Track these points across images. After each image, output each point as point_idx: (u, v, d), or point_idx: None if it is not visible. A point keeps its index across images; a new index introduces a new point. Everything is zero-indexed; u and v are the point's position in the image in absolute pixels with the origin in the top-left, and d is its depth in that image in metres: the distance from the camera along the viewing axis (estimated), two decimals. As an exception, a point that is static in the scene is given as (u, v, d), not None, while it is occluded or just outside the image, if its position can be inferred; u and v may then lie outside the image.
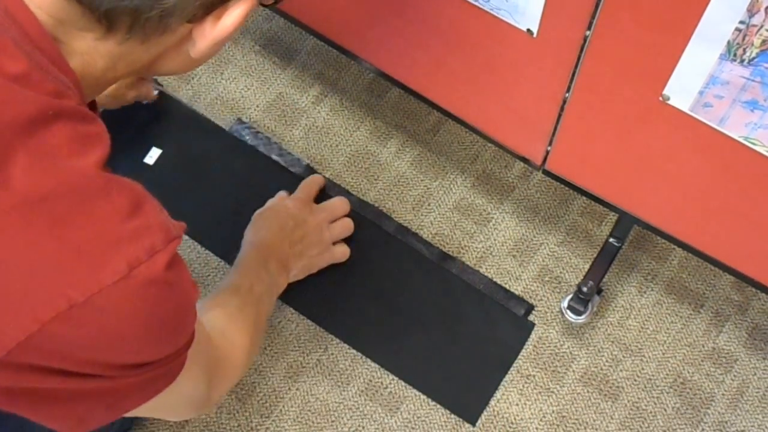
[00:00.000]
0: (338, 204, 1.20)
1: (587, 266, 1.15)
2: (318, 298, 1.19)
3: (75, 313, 0.53)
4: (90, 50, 0.60)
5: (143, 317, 0.57)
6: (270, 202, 1.19)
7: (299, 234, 1.14)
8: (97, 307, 0.54)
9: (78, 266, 0.53)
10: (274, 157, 1.29)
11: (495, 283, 1.20)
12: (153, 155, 1.27)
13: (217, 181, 1.27)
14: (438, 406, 1.13)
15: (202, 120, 1.31)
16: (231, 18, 0.61)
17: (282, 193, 1.21)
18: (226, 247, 1.21)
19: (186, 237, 1.22)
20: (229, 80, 1.35)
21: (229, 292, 1.01)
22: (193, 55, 0.64)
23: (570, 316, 1.15)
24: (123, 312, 0.55)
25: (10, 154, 0.53)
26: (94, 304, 0.53)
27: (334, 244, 1.18)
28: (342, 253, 1.18)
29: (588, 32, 0.78)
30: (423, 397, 1.13)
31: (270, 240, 1.11)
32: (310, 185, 1.22)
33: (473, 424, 1.11)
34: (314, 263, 1.16)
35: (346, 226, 1.19)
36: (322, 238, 1.16)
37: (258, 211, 1.17)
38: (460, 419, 1.12)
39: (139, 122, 1.30)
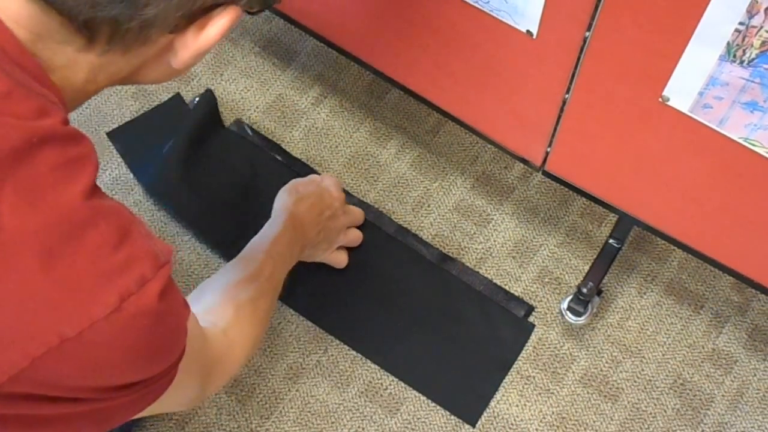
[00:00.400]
0: (359, 214, 1.21)
1: (587, 267, 1.15)
2: (318, 299, 1.19)
3: (66, 347, 0.53)
4: (70, 63, 0.59)
5: (133, 345, 0.57)
6: (310, 178, 1.16)
7: (328, 226, 1.13)
8: (89, 340, 0.54)
9: (69, 302, 0.53)
10: (275, 155, 1.29)
11: (495, 284, 1.20)
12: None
13: (219, 180, 1.27)
14: (438, 407, 1.13)
15: (205, 119, 1.31)
16: (215, 29, 0.60)
17: (316, 177, 1.18)
18: (226, 250, 1.21)
19: (186, 237, 1.22)
20: (228, 81, 1.35)
21: (248, 278, 0.97)
22: (175, 66, 0.63)
23: (570, 317, 1.15)
24: (114, 343, 0.55)
25: None
26: (85, 338, 0.53)
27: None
28: (341, 260, 1.19)
29: (588, 33, 0.78)
30: (423, 398, 1.13)
31: (307, 220, 1.10)
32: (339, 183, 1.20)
33: (473, 425, 1.11)
34: (316, 256, 1.16)
35: (357, 237, 1.20)
36: (336, 238, 1.17)
37: (297, 181, 1.15)
38: (460, 420, 1.12)
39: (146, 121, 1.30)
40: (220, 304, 0.92)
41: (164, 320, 0.59)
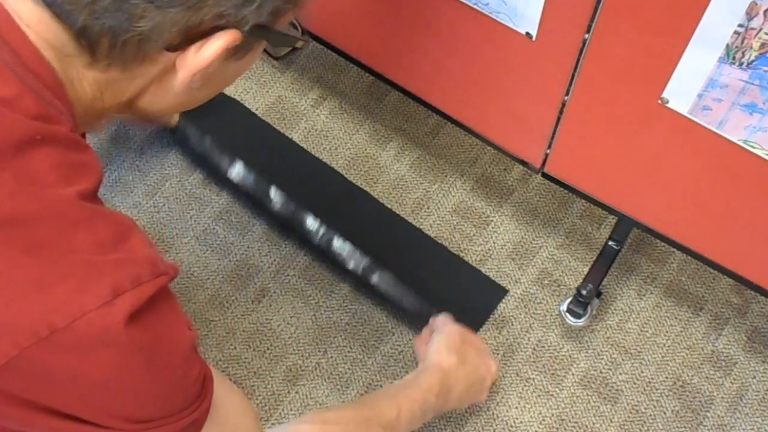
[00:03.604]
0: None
1: (586, 269, 1.15)
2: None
3: (57, 339, 0.51)
4: (80, 78, 0.60)
5: (126, 350, 0.55)
6: (472, 339, 1.08)
7: (471, 397, 1.06)
8: (80, 333, 0.52)
9: (58, 290, 0.52)
10: None
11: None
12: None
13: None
14: (437, 409, 1.13)
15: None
16: (210, 49, 0.60)
17: (476, 339, 1.09)
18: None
19: (186, 239, 1.22)
20: (228, 83, 1.35)
21: (354, 414, 0.89)
22: (177, 88, 0.63)
23: (569, 319, 1.15)
24: (105, 340, 0.53)
25: None
26: (76, 330, 0.52)
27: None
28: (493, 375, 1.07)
29: (587, 35, 0.78)
30: (422, 400, 1.13)
31: (456, 390, 1.00)
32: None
33: None
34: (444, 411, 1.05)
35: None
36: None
37: (458, 334, 1.05)
38: (460, 422, 1.12)
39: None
40: (308, 424, 0.85)
41: (159, 331, 0.57)
